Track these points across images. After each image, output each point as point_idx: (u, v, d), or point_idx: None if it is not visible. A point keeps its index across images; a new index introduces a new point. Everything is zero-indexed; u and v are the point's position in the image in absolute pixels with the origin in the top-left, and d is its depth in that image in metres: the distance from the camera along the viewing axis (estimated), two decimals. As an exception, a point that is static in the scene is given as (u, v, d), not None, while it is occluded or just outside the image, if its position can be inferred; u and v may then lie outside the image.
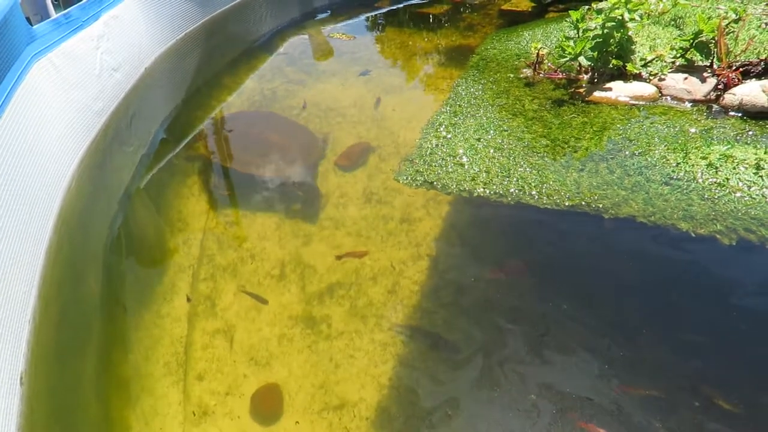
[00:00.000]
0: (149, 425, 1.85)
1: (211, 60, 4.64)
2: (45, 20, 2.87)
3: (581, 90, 3.45)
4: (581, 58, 3.40)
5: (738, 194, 2.46)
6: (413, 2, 5.88)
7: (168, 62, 4.34)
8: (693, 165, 2.66)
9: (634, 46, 3.47)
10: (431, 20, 5.37)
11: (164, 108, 3.86)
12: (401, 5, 5.85)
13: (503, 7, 5.24)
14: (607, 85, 3.39)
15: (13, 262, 1.91)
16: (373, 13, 5.69)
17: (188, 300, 2.29)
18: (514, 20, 4.97)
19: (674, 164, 2.69)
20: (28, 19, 2.72)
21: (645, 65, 3.45)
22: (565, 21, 4.39)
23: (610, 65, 3.40)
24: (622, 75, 3.46)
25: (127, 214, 2.84)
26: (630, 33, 3.41)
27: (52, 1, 3.09)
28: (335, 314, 2.19)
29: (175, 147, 3.40)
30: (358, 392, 1.90)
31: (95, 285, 2.42)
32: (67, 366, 2.05)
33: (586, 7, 3.66)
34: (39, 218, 2.28)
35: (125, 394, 1.97)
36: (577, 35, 3.50)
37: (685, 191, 2.53)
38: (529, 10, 5.10)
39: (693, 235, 2.32)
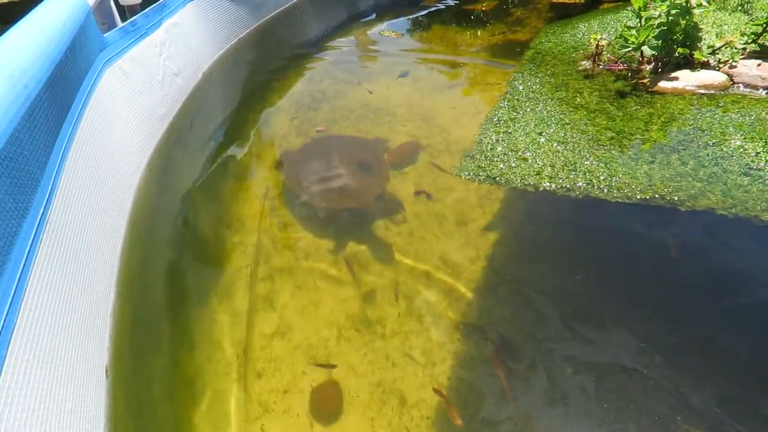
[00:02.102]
0: (212, 421, 1.86)
1: (261, 64, 4.72)
2: (113, 28, 2.97)
3: (645, 80, 3.32)
4: (645, 48, 3.27)
5: (828, 184, 2.31)
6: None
7: (223, 67, 4.44)
8: (775, 154, 2.51)
9: (700, 33, 3.32)
10: (478, 16, 5.30)
11: (221, 111, 3.94)
12: (447, 3, 5.80)
13: (554, 0, 5.12)
14: (673, 74, 3.25)
15: (95, 258, 1.97)
16: (419, 12, 5.67)
17: None
18: (565, 13, 4.85)
19: (753, 154, 2.55)
20: (96, 27, 2.83)
21: (713, 53, 3.29)
22: (623, 11, 4.26)
23: (676, 54, 3.26)
24: (689, 63, 3.31)
25: (189, 216, 2.90)
26: (695, 20, 3.26)
27: (117, 10, 3.21)
28: (391, 313, 2.17)
29: (230, 150, 3.45)
30: (417, 392, 1.87)
31: (161, 283, 2.48)
32: (139, 361, 2.10)
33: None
34: (115, 217, 2.35)
35: (190, 391, 1.99)
36: (639, 24, 3.37)
37: (767, 182, 2.39)
38: (582, 1, 4.96)
39: (780, 227, 2.19)
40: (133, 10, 3.33)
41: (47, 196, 1.56)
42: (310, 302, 2.27)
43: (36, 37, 1.78)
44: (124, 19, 3.25)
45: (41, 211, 1.46)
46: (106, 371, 1.83)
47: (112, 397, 1.80)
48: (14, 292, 1.22)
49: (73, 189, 1.88)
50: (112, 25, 3.14)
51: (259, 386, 1.96)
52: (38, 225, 1.43)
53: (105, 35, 2.76)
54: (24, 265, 1.30)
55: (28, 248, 1.33)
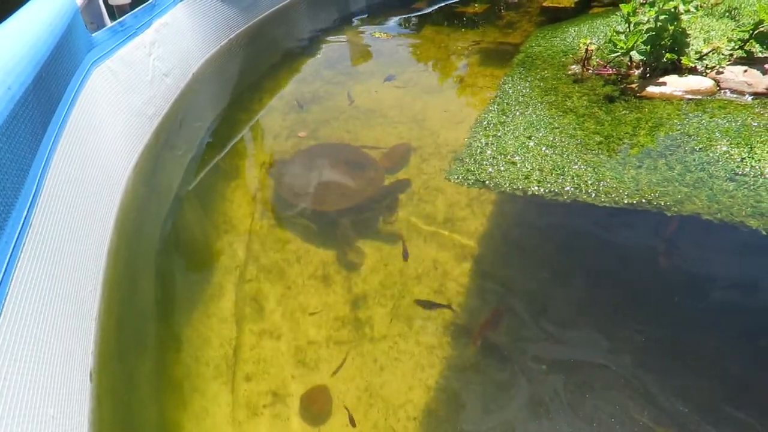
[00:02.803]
0: (200, 425, 1.86)
1: (253, 64, 4.71)
2: (101, 28, 2.95)
3: (633, 85, 3.35)
4: (633, 53, 3.30)
5: (811, 190, 2.34)
6: (450, 2, 5.84)
7: (213, 67, 4.43)
8: (759, 160, 2.54)
9: (688, 39, 3.35)
10: (469, 19, 5.31)
11: (210, 112, 3.93)
12: (438, 6, 5.82)
13: (545, 4, 5.14)
14: (661, 79, 3.28)
15: (80, 260, 1.96)
16: (410, 15, 5.68)
17: None
18: (556, 17, 4.87)
19: (739, 159, 2.58)
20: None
21: (700, 58, 3.33)
22: (613, 16, 4.29)
23: (664, 59, 3.29)
24: (676, 69, 3.34)
25: (177, 217, 2.89)
26: (683, 25, 3.29)
27: (106, 10, 3.18)
28: (379, 315, 2.17)
29: (220, 151, 3.44)
30: (405, 394, 1.87)
31: (149, 286, 2.46)
32: (126, 365, 2.08)
33: (639, 0, 3.56)
34: (101, 219, 2.33)
35: (178, 394, 1.98)
36: (628, 29, 3.40)
37: (752, 187, 2.42)
38: (572, 6, 4.99)
39: (764, 233, 2.21)
40: (122, 10, 3.31)
41: (30, 198, 1.54)
42: (299, 304, 2.26)
43: (21, 37, 1.76)
44: (113, 18, 3.23)
45: (24, 214, 1.45)
46: (91, 375, 1.81)
47: (96, 401, 1.79)
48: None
49: (59, 191, 1.86)
50: (100, 24, 3.11)
51: (248, 389, 1.95)
52: (21, 228, 1.42)
53: (93, 35, 2.74)
54: (6, 267, 1.28)
55: (10, 251, 1.32)
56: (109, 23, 3.12)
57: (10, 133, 1.39)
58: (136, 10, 3.29)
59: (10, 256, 1.31)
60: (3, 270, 1.26)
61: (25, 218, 1.44)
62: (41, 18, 2.02)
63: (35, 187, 1.59)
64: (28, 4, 2.15)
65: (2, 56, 1.52)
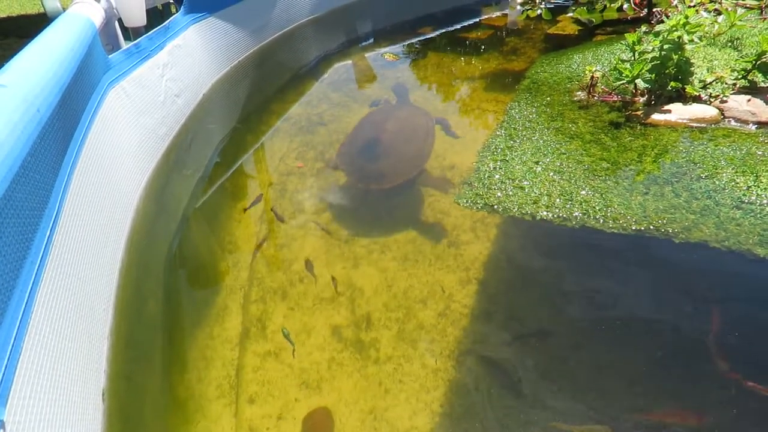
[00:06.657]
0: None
1: (261, 86, 4.77)
2: (117, 50, 3.00)
3: (638, 112, 3.40)
4: (638, 81, 3.36)
5: (818, 219, 2.37)
6: (454, 28, 5.94)
7: (222, 89, 4.49)
8: (765, 188, 2.57)
9: (692, 68, 3.41)
10: (473, 45, 5.39)
11: (218, 133, 3.97)
12: (442, 31, 5.91)
13: (549, 31, 5.23)
14: (666, 107, 3.33)
15: (95, 279, 1.97)
16: (415, 39, 5.76)
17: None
18: (560, 44, 4.95)
19: (745, 188, 2.61)
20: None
21: (704, 87, 3.39)
22: (616, 43, 4.37)
23: (668, 87, 3.35)
24: (681, 97, 3.40)
25: (184, 236, 2.90)
26: (687, 55, 3.36)
27: (122, 32, 3.25)
28: (384, 337, 2.17)
29: (227, 171, 3.47)
30: (410, 419, 1.87)
31: (156, 305, 2.47)
32: (134, 384, 2.08)
33: (643, 29, 3.63)
34: (114, 238, 2.35)
35: (182, 415, 1.98)
36: (633, 58, 3.47)
37: (758, 215, 2.45)
38: (576, 33, 5.08)
39: (772, 260, 2.23)
40: (137, 32, 3.37)
41: (53, 217, 1.56)
42: (303, 325, 2.26)
43: (46, 60, 1.80)
44: (128, 40, 3.29)
45: (47, 234, 1.46)
46: (103, 395, 1.81)
47: (109, 421, 1.78)
48: (21, 317, 1.21)
49: (77, 210, 1.88)
50: (116, 46, 3.17)
51: (251, 411, 1.95)
52: (45, 247, 1.43)
53: (110, 57, 2.79)
54: (31, 287, 1.29)
55: (35, 271, 1.33)
56: (124, 45, 3.18)
57: (38, 154, 1.42)
58: (150, 32, 3.35)
59: (35, 276, 1.32)
60: (29, 290, 1.27)
61: (48, 238, 1.46)
62: (64, 40, 2.06)
63: (57, 206, 1.61)
64: (51, 26, 2.20)
65: (31, 79, 1.55)
